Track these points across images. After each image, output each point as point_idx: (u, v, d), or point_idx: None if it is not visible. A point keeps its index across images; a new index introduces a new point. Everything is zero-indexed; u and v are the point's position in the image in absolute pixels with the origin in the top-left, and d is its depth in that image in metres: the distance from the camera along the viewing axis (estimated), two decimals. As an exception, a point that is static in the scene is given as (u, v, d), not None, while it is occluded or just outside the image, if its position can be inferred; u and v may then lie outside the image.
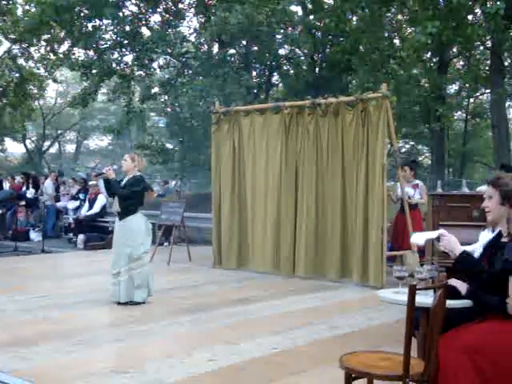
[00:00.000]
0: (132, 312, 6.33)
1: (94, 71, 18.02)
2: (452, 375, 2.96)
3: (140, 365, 4.56)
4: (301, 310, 6.60)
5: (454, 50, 19.99)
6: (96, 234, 12.94)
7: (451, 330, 3.15)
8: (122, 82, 17.82)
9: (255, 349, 4.96)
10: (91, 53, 18.17)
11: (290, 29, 19.45)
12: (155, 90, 20.12)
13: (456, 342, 3.03)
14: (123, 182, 6.86)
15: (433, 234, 3.56)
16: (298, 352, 4.93)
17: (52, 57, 20.54)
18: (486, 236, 3.62)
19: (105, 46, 18.13)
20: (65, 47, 19.93)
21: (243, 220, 9.30)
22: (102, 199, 13.37)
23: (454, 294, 3.18)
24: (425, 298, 3.05)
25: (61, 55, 19.87)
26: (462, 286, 3.20)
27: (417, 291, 2.90)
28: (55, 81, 26.07)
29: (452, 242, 3.30)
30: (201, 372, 4.35)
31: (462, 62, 21.51)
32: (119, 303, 6.58)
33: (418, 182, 9.07)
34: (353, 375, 2.98)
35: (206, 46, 18.88)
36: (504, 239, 3.20)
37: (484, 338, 2.99)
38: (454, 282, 3.24)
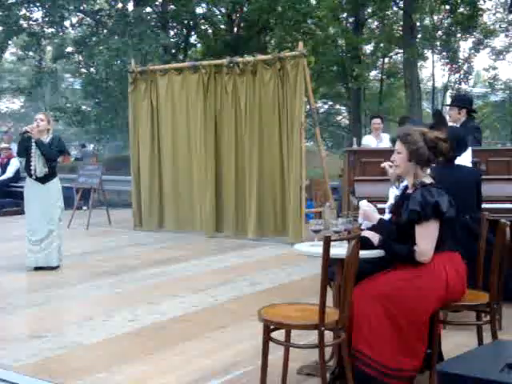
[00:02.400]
0: (49, 277, 6.19)
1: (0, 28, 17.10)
2: (365, 321, 3.09)
3: (59, 328, 4.49)
4: (222, 268, 6.66)
5: (369, 10, 20.30)
6: (10, 199, 12.45)
7: (365, 279, 3.27)
8: (31, 40, 16.97)
9: (177, 308, 4.98)
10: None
11: (207, -14, 19.11)
12: (68, 49, 19.35)
13: (369, 291, 3.15)
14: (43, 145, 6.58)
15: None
16: (219, 309, 4.99)
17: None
18: (392, 192, 3.75)
19: (11, 0, 17.14)
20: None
21: (163, 181, 9.21)
22: (15, 163, 12.84)
23: (367, 244, 3.29)
24: (339, 250, 3.13)
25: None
26: (374, 237, 3.31)
27: (332, 243, 2.97)
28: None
29: (369, 213, 3.38)
30: (122, 332, 4.33)
31: (376, 23, 21.87)
32: (38, 268, 6.41)
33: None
34: (271, 327, 3.04)
35: (120, 4, 18.25)
36: (409, 191, 3.32)
37: (394, 286, 3.12)
38: (366, 233, 3.34)
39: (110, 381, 3.44)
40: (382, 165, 4.29)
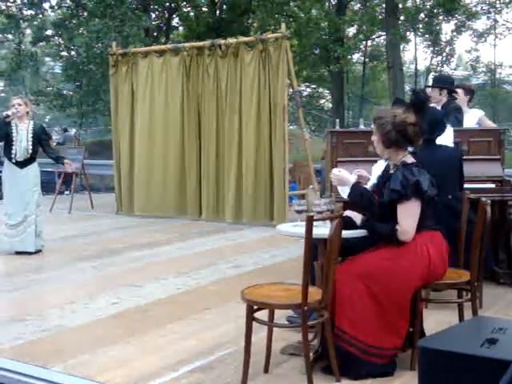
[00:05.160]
0: (30, 261, 6.15)
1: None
2: (347, 300, 3.10)
3: (41, 312, 4.45)
4: (206, 251, 6.66)
5: (352, -8, 20.27)
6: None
7: (347, 259, 3.28)
8: (9, 23, 16.71)
9: (160, 290, 4.97)
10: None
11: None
12: (48, 32, 19.07)
13: (351, 270, 3.16)
14: (24, 129, 6.49)
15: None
16: (203, 291, 4.98)
17: None
18: (378, 167, 3.75)
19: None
20: None
21: (146, 164, 9.15)
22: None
23: (350, 224, 3.30)
24: (322, 230, 3.13)
25: None
26: (357, 217, 3.32)
27: (315, 224, 2.98)
28: None
29: (343, 179, 3.39)
30: (104, 315, 4.32)
31: (359, 5, 21.82)
32: (19, 253, 6.36)
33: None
34: (254, 307, 3.05)
35: (100, -15, 18.01)
36: (391, 171, 3.33)
37: (376, 265, 3.13)
38: (349, 212, 3.35)
39: (93, 363, 3.43)
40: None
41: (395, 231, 3.15)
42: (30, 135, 6.49)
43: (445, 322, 3.67)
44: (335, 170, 3.46)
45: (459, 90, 6.07)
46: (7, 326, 4.11)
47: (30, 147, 6.47)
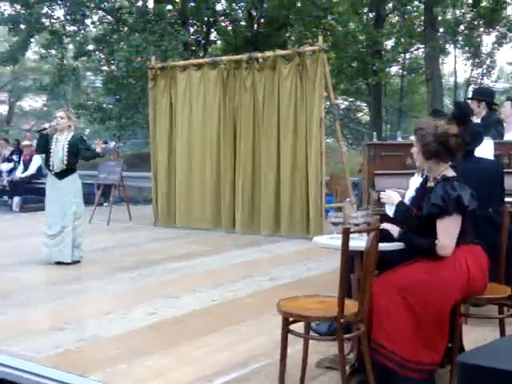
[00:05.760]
0: (69, 271, 6.25)
1: (22, 26, 17.24)
2: (385, 314, 3.06)
3: (79, 322, 4.52)
4: (241, 263, 6.67)
5: (390, 5, 20.14)
6: (32, 195, 12.60)
7: (385, 271, 3.24)
8: (53, 39, 17.11)
9: (196, 302, 4.99)
10: (18, 6, 17.31)
11: (226, -17, 19.11)
12: (89, 47, 19.46)
13: (388, 283, 3.12)
14: (62, 141, 6.63)
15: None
16: (239, 303, 4.98)
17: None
18: (415, 180, 3.72)
19: (33, -1, 17.31)
20: (-10, 1, 18.93)
21: (183, 177, 9.23)
22: (37, 160, 12.99)
23: (387, 237, 3.26)
24: (359, 242, 3.11)
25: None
26: (394, 230, 3.28)
27: (352, 236, 2.95)
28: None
29: (392, 197, 3.38)
30: (141, 326, 4.35)
31: (397, 18, 21.69)
32: (60, 263, 6.47)
33: None
34: (290, 319, 3.03)
35: (140, 1, 18.33)
36: (430, 184, 3.29)
37: (414, 279, 3.09)
38: (386, 225, 3.31)
39: (130, 373, 3.46)
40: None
41: (434, 246, 3.10)
42: (66, 146, 6.59)
43: (485, 338, 3.59)
44: (384, 194, 3.43)
45: (507, 103, 5.98)
46: (46, 335, 4.17)
47: (66, 158, 6.56)
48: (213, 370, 3.46)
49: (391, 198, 3.38)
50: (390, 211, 3.46)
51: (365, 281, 2.97)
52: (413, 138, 3.32)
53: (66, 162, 6.58)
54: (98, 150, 7.06)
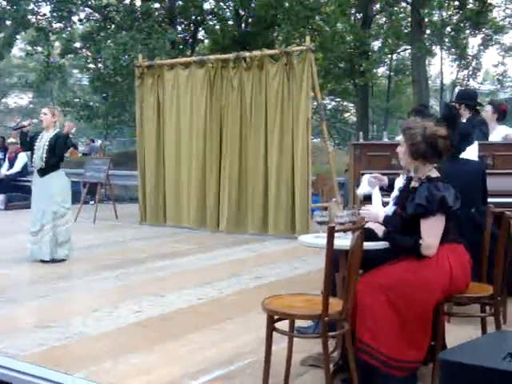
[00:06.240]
0: (55, 269, 6.22)
1: (8, 23, 17.13)
2: (369, 312, 3.09)
3: (65, 319, 4.51)
4: (227, 262, 6.68)
5: (378, 6, 20.26)
6: (17, 193, 12.51)
7: (370, 270, 3.28)
8: (39, 35, 17.03)
9: (182, 300, 5.00)
10: (4, 2, 17.21)
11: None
12: (76, 44, 19.39)
13: (373, 282, 3.15)
14: (45, 138, 6.62)
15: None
16: (224, 301, 5.00)
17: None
18: (400, 181, 3.76)
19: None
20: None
21: (169, 176, 9.22)
22: (23, 158, 12.90)
23: (371, 236, 3.29)
24: (344, 241, 3.14)
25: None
26: (379, 229, 3.31)
27: (337, 235, 2.98)
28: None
29: (372, 214, 3.35)
30: (127, 323, 4.36)
31: (384, 19, 21.82)
32: (42, 261, 6.45)
33: None
34: (275, 317, 3.05)
35: (128, -1, 18.32)
36: (414, 184, 3.32)
37: (398, 277, 3.12)
38: (371, 224, 3.34)
39: (115, 370, 3.46)
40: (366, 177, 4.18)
41: (419, 246, 3.14)
42: (47, 144, 6.55)
43: (467, 336, 3.62)
44: (364, 210, 3.40)
45: (488, 107, 6.05)
46: (32, 332, 4.16)
47: (44, 155, 6.52)
48: (198, 368, 3.48)
49: (371, 216, 3.34)
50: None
51: (349, 279, 3.00)
52: (399, 138, 3.34)
53: (44, 160, 6.54)
54: (79, 154, 7.06)
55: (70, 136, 6.71)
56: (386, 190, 3.87)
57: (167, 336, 4.07)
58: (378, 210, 3.36)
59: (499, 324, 3.39)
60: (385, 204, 3.62)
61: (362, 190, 4.02)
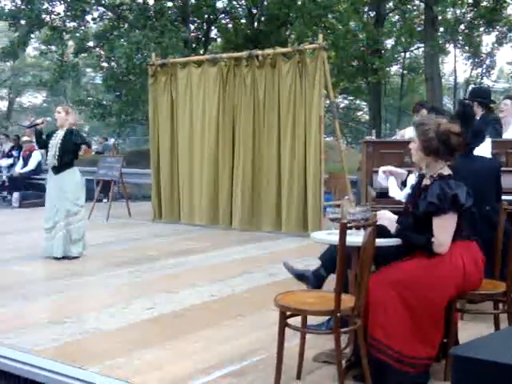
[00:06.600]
0: (69, 266, 6.27)
1: (22, 22, 17.26)
2: (382, 309, 3.10)
3: (78, 315, 4.55)
4: (240, 259, 6.70)
5: (390, 4, 20.18)
6: (32, 191, 12.62)
7: (382, 267, 3.28)
8: (53, 35, 17.13)
9: (194, 297, 5.02)
10: (19, 2, 17.33)
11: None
12: (90, 43, 19.47)
13: (385, 279, 3.16)
14: (58, 136, 6.67)
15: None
16: (237, 298, 5.02)
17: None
18: (413, 179, 3.76)
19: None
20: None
21: (182, 174, 9.25)
22: (37, 156, 13.01)
23: (384, 233, 3.29)
24: (356, 238, 3.15)
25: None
26: (391, 226, 3.31)
27: (349, 232, 2.99)
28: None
29: (386, 217, 3.35)
30: (141, 319, 4.39)
31: (397, 17, 21.72)
32: (55, 258, 6.50)
33: None
34: (287, 313, 3.07)
35: (141, -2, 18.36)
36: (426, 182, 3.32)
37: (411, 275, 3.12)
38: (383, 221, 3.34)
39: (128, 365, 3.49)
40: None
41: (431, 243, 3.14)
42: (60, 142, 6.61)
43: (480, 334, 3.60)
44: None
45: (507, 101, 6.01)
46: (46, 328, 4.21)
47: (57, 154, 6.57)
48: (210, 363, 3.50)
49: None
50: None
51: (361, 276, 3.01)
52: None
53: (57, 158, 6.59)
54: (93, 153, 7.11)
55: (82, 134, 6.75)
56: (403, 184, 3.91)
57: (180, 332, 4.10)
58: (392, 215, 3.34)
59: (512, 321, 3.38)
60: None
61: (380, 180, 4.12)
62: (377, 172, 4.95)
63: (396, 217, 3.36)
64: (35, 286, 5.54)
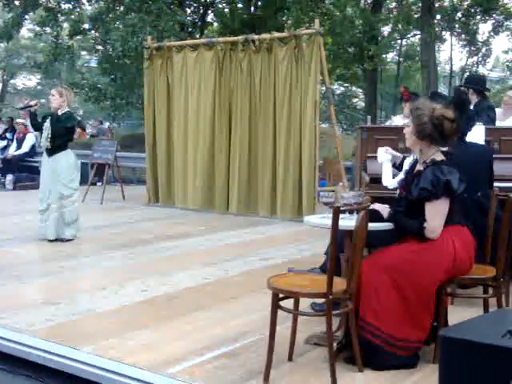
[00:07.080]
0: (63, 248, 6.29)
1: (16, 2, 17.11)
2: (373, 292, 3.13)
3: (72, 296, 4.58)
4: (234, 243, 6.73)
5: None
6: (26, 174, 12.59)
7: (375, 251, 3.32)
8: (47, 16, 17.00)
9: (188, 279, 5.05)
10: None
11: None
12: (85, 26, 19.33)
13: (377, 263, 3.19)
14: (53, 119, 6.65)
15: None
16: (230, 281, 5.06)
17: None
18: (409, 162, 3.78)
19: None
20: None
21: (177, 157, 9.25)
22: (31, 138, 12.99)
23: (376, 217, 3.32)
24: (349, 222, 3.17)
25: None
26: (384, 210, 3.34)
27: (342, 216, 3.01)
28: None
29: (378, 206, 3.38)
30: (134, 301, 4.42)
31: (394, 3, 21.65)
32: (49, 240, 6.51)
33: None
34: (280, 295, 3.09)
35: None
36: (419, 167, 3.34)
37: (402, 258, 3.16)
38: (376, 206, 3.37)
39: (122, 346, 3.52)
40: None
41: (423, 229, 3.17)
42: (53, 124, 6.57)
43: (470, 317, 3.66)
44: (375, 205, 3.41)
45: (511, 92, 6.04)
46: (40, 309, 4.23)
47: (49, 136, 6.55)
48: (203, 345, 3.53)
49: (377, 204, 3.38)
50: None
51: (353, 259, 3.04)
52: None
53: (50, 141, 6.56)
54: (87, 136, 7.08)
55: (76, 116, 6.72)
56: (397, 168, 3.94)
57: (173, 314, 4.13)
58: (384, 207, 3.37)
59: (501, 305, 3.43)
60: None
61: (380, 158, 4.26)
62: (371, 158, 4.99)
63: (386, 206, 3.39)
64: (29, 267, 5.56)
